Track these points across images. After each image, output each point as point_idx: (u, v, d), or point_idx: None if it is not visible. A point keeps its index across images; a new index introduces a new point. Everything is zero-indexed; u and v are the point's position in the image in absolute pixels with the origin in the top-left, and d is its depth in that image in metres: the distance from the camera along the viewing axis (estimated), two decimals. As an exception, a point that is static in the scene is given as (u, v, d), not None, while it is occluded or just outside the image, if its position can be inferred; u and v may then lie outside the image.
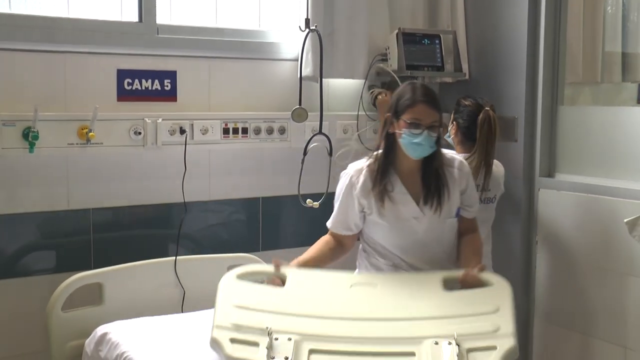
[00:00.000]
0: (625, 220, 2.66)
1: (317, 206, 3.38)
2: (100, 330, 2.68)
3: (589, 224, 3.28)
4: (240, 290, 2.34)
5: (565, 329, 3.43)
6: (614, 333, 3.19)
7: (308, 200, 3.39)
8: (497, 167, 3.23)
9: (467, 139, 3.15)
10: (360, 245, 2.79)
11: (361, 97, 3.57)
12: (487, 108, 3.08)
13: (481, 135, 3.06)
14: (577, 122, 3.45)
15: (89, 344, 2.68)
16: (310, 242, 3.50)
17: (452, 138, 3.24)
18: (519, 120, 3.52)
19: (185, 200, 3.16)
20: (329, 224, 2.73)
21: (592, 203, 3.26)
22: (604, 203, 3.20)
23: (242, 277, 2.39)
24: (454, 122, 3.22)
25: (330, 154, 3.41)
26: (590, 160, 3.37)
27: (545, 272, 3.52)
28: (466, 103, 3.17)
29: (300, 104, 3.34)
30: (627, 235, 2.85)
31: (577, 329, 3.37)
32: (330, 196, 3.34)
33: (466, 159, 2.99)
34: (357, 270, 2.77)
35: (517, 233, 3.58)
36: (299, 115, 3.33)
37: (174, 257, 3.06)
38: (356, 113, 3.56)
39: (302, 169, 3.37)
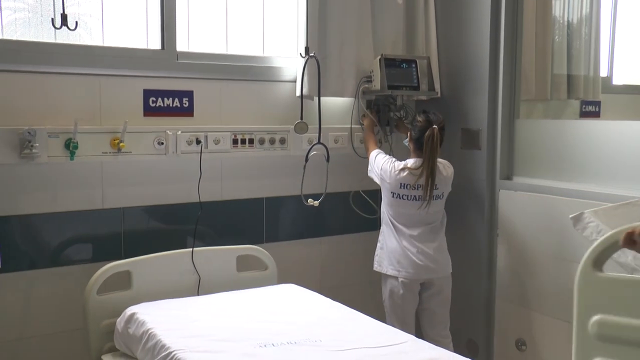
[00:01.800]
0: (570, 216, 2.70)
1: (317, 204, 3.41)
2: (129, 310, 2.69)
3: (541, 219, 3.31)
4: None
5: (522, 307, 3.46)
6: (561, 310, 3.22)
7: (309, 199, 3.41)
8: (447, 170, 3.29)
9: (418, 148, 3.22)
10: None
11: (352, 112, 3.59)
12: (434, 126, 3.13)
13: (427, 148, 3.14)
14: (531, 133, 3.48)
15: (120, 322, 2.68)
16: (307, 236, 3.63)
17: (408, 144, 3.31)
18: (482, 131, 3.55)
19: (201, 200, 3.15)
20: None
21: (544, 201, 3.29)
22: (553, 201, 3.23)
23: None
24: (409, 132, 3.29)
25: (328, 160, 3.44)
26: (542, 165, 3.40)
27: (505, 260, 3.54)
28: (419, 119, 3.23)
29: (301, 119, 3.35)
30: (572, 229, 2.86)
31: (532, 307, 3.40)
32: (329, 196, 3.48)
33: (417, 164, 3.17)
34: None
35: (481, 227, 3.61)
36: (301, 128, 3.34)
37: (192, 249, 3.05)
38: (346, 126, 3.59)
39: (304, 173, 3.38)
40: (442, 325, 3.39)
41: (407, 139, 3.32)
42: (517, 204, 3.44)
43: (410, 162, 3.22)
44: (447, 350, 2.44)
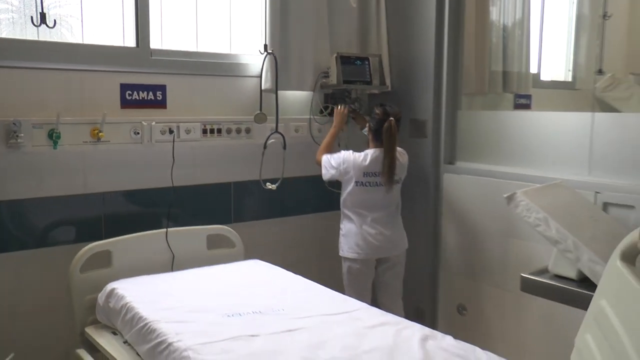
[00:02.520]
0: (504, 196, 2.76)
1: (275, 188, 3.46)
2: (109, 286, 2.69)
3: (481, 199, 3.40)
4: None
5: (463, 277, 3.56)
6: (499, 279, 3.32)
7: (267, 183, 3.46)
8: (403, 157, 3.35)
9: (376, 138, 3.28)
10: None
11: (311, 104, 3.64)
12: (391, 118, 3.18)
13: (385, 138, 3.20)
14: (471, 122, 3.56)
15: (101, 297, 2.69)
16: (272, 216, 3.66)
17: (367, 134, 3.36)
18: (428, 121, 3.61)
19: (174, 185, 3.18)
20: None
21: (482, 183, 3.37)
22: (491, 183, 3.31)
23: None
24: (368, 124, 3.34)
25: (285, 147, 3.49)
26: (481, 152, 3.48)
27: (449, 236, 3.63)
28: (377, 111, 3.26)
29: (261, 110, 3.40)
30: (507, 207, 2.92)
31: (473, 277, 3.50)
32: (285, 181, 3.51)
33: (377, 153, 3.23)
34: None
35: (428, 207, 3.69)
36: (260, 118, 3.39)
37: (166, 229, 3.06)
38: (305, 116, 3.65)
39: (262, 160, 3.43)
40: (396, 296, 3.49)
41: (366, 129, 3.36)
42: (460, 186, 3.53)
43: (371, 152, 3.28)
44: (396, 316, 2.50)
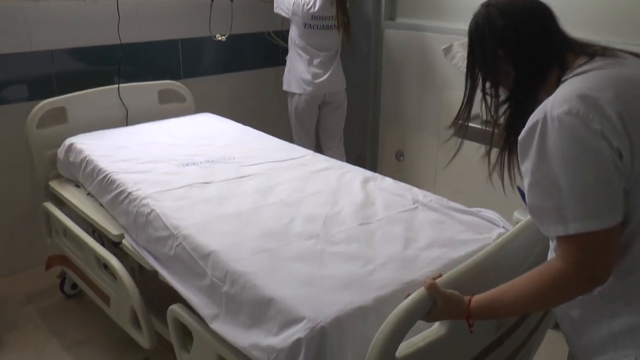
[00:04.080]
0: (442, 48, 2.77)
1: (224, 39, 3.37)
2: (67, 141, 2.67)
3: (419, 53, 3.42)
4: None
5: (401, 126, 3.67)
6: (434, 127, 3.44)
7: (217, 34, 3.35)
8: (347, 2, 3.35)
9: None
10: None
11: None
12: None
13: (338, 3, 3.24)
14: None
15: (60, 152, 2.68)
16: (219, 72, 3.60)
17: None
18: None
19: (122, 42, 3.06)
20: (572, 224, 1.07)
21: (421, 38, 3.39)
22: (429, 37, 3.33)
23: None
24: None
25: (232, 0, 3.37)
26: (422, 7, 3.44)
27: (388, 87, 3.68)
28: None
29: None
30: (443, 60, 2.95)
31: (409, 125, 3.61)
32: (233, 37, 3.38)
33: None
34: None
35: (370, 60, 3.70)
36: None
37: (117, 85, 2.99)
38: None
39: (210, 11, 3.29)
40: (338, 139, 3.61)
41: None
42: (400, 40, 3.53)
43: None
44: (339, 161, 2.58)
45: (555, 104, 1.06)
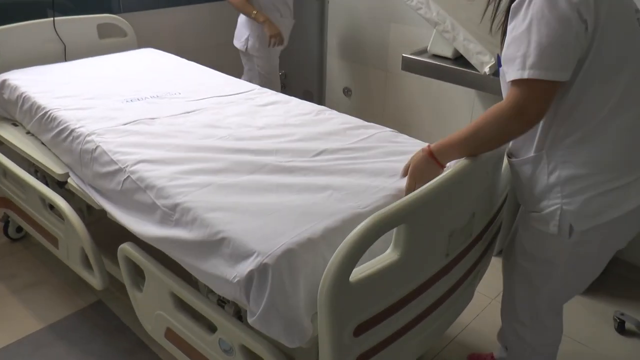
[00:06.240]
0: None
1: None
2: (0, 77, 2.53)
3: None
4: None
5: (349, 62, 3.64)
6: (381, 62, 3.44)
7: None
8: None
9: None
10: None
11: None
12: None
13: None
14: None
15: None
16: (163, 5, 3.44)
17: None
18: None
19: None
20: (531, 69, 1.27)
21: None
22: None
23: None
24: None
25: None
26: None
27: (335, 23, 3.62)
28: None
29: None
30: None
31: (356, 61, 3.58)
32: None
33: None
34: None
35: None
36: None
37: (53, 18, 2.83)
38: None
39: None
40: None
41: None
42: None
43: None
44: (286, 95, 2.52)
45: None
